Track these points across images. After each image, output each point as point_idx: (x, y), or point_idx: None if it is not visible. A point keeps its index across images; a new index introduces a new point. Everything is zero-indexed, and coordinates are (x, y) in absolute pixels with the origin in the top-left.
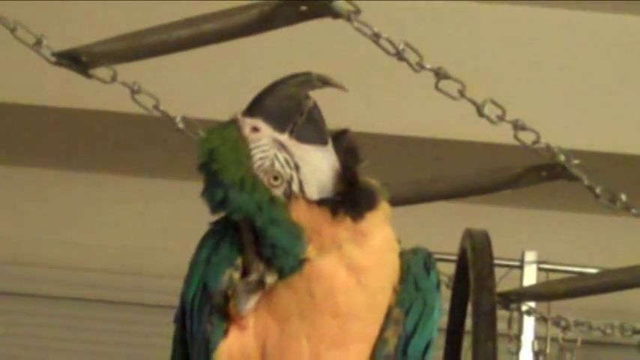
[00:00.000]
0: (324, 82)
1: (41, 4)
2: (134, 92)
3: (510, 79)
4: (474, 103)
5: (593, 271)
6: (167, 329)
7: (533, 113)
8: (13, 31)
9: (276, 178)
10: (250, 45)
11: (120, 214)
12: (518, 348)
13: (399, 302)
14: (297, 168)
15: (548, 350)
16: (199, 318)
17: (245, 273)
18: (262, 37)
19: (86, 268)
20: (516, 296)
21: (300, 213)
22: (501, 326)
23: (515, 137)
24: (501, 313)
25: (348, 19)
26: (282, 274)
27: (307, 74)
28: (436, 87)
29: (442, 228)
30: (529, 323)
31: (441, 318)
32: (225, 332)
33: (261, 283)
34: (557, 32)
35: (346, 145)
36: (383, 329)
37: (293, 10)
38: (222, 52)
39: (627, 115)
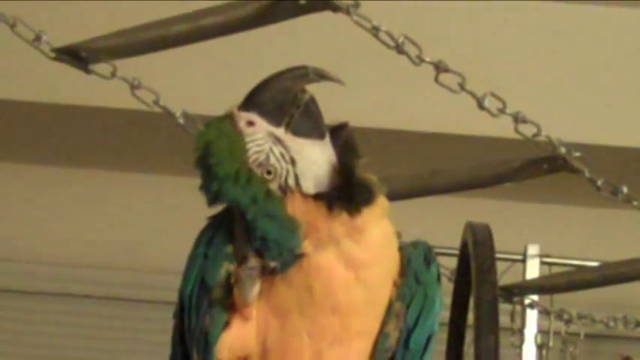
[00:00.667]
0: (321, 75)
1: (40, 1)
2: (134, 87)
3: (510, 72)
4: (474, 96)
5: (596, 264)
6: (166, 325)
7: (534, 106)
8: (12, 27)
9: (270, 172)
10: (250, 39)
11: (119, 209)
12: (522, 341)
13: (400, 296)
14: (293, 162)
15: (551, 343)
16: (197, 312)
17: (240, 262)
18: (262, 32)
19: (86, 265)
20: (519, 289)
21: (295, 207)
22: (504, 320)
23: (516, 130)
24: (504, 307)
25: (348, 12)
26: (280, 268)
27: (304, 68)
28: (436, 80)
29: (445, 222)
30: (532, 317)
31: (441, 311)
32: (226, 325)
33: (265, 268)
34: (557, 25)
35: (344, 140)
36: (384, 323)
37: (292, 3)
38: (221, 46)
39: (628, 108)
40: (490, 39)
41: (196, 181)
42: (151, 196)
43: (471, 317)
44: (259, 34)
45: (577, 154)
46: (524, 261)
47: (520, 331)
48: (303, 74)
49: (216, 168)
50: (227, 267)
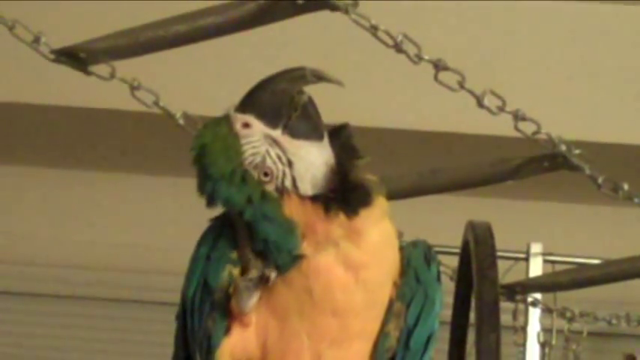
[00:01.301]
0: (319, 77)
1: (39, 2)
2: (134, 89)
3: (510, 70)
4: (473, 94)
5: (599, 262)
6: (168, 327)
7: (534, 104)
8: (11, 28)
9: (267, 174)
10: (248, 39)
11: (120, 211)
12: (524, 339)
13: (400, 296)
14: (290, 164)
15: (554, 342)
16: (200, 314)
17: (244, 269)
18: (260, 31)
19: (88, 267)
20: (521, 288)
21: (293, 209)
22: (507, 318)
23: (516, 128)
24: (507, 305)
25: (346, 11)
26: (279, 270)
27: (301, 69)
28: (435, 78)
29: (446, 221)
30: (534, 315)
31: (442, 310)
32: (227, 330)
33: (262, 279)
34: (557, 22)
35: (343, 141)
36: (384, 323)
37: (291, 3)
38: (221, 46)
39: (628, 105)
40: (489, 37)
41: (196, 182)
42: (152, 197)
43: (472, 316)
44: (258, 34)
45: (577, 151)
46: (526, 259)
47: (523, 330)
48: (301, 76)
49: (210, 169)
50: (230, 270)
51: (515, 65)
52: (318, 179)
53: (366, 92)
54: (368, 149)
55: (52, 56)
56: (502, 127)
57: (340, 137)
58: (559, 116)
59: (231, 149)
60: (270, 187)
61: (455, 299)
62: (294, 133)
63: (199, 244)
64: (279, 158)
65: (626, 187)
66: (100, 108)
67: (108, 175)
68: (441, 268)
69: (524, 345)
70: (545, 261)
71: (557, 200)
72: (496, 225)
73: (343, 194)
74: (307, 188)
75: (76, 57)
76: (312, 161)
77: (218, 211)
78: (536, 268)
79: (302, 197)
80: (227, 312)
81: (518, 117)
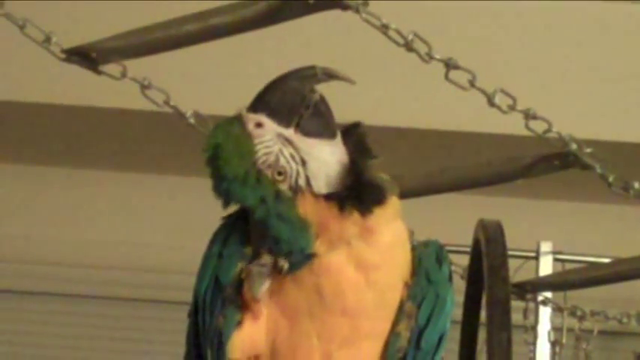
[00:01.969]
0: (329, 75)
1: (50, 1)
2: (144, 88)
3: (521, 69)
4: (484, 93)
5: (609, 260)
6: (174, 325)
7: (544, 102)
8: (22, 28)
9: (280, 173)
10: (260, 38)
11: (131, 210)
12: (535, 338)
13: (411, 296)
14: (303, 163)
15: (564, 340)
16: (212, 312)
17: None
18: (271, 31)
19: (97, 266)
20: (531, 286)
21: (306, 207)
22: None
23: (527, 127)
24: (517, 304)
25: (357, 10)
26: (291, 268)
27: (312, 68)
28: (446, 77)
29: (457, 220)
30: (545, 314)
31: (453, 310)
32: (239, 324)
33: (275, 267)
34: (568, 20)
35: (356, 139)
36: (395, 323)
37: (301, 2)
38: (231, 46)
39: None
40: (500, 36)
41: (207, 181)
42: (163, 196)
43: (483, 315)
44: (269, 34)
45: (588, 150)
46: (537, 258)
47: (533, 328)
48: (312, 74)
49: (224, 169)
50: (242, 267)
51: (526, 64)
52: (331, 178)
53: (377, 91)
54: (378, 148)
55: (62, 56)
56: (513, 125)
57: (353, 136)
58: (570, 115)
59: (245, 149)
60: (284, 187)
61: (465, 298)
62: (307, 132)
63: (211, 242)
64: (293, 157)
65: (636, 185)
66: (111, 107)
67: (119, 175)
68: (452, 267)
69: (534, 344)
70: (556, 260)
71: (568, 199)
72: (506, 224)
73: (357, 192)
74: (321, 187)
75: (86, 56)
76: (325, 160)
77: (228, 210)
78: (546, 267)
79: (316, 196)
80: (238, 307)
81: (529, 116)
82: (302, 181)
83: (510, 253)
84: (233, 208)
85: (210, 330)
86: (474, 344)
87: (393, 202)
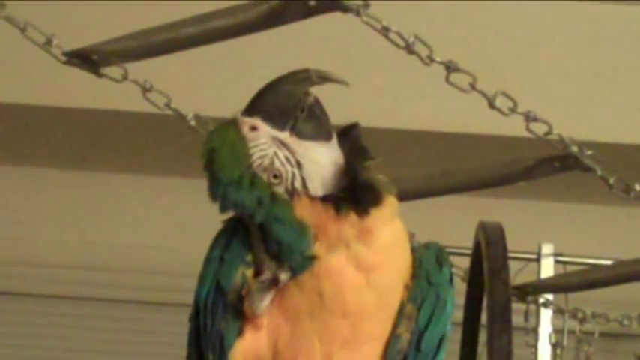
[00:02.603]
0: (324, 77)
1: (51, 4)
2: (146, 90)
3: (521, 71)
4: (485, 95)
5: (610, 262)
6: (179, 328)
7: (545, 105)
8: (23, 30)
9: (276, 177)
10: (260, 41)
11: (131, 213)
12: (536, 340)
13: (412, 298)
14: (298, 165)
15: (565, 342)
16: (213, 316)
17: (257, 271)
18: (272, 33)
19: (97, 268)
20: (532, 288)
21: (303, 210)
22: (518, 319)
23: (527, 129)
24: (518, 306)
25: (357, 13)
26: (293, 272)
27: (306, 71)
28: (447, 80)
29: (458, 222)
30: (546, 315)
31: (453, 312)
32: (240, 331)
33: (274, 281)
34: (569, 23)
35: (352, 140)
36: (396, 325)
37: (302, 5)
38: (232, 48)
39: None
40: (501, 38)
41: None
42: (164, 198)
43: (484, 317)
44: (269, 36)
45: (589, 152)
46: (538, 260)
47: (534, 330)
48: (306, 77)
49: (219, 174)
50: (244, 271)
51: (526, 66)
52: (327, 180)
53: (378, 94)
54: (379, 150)
55: (63, 58)
56: (513, 128)
57: (350, 137)
58: (571, 117)
59: (239, 153)
60: (280, 189)
61: (466, 300)
62: (302, 135)
63: (212, 245)
64: (288, 160)
65: (637, 188)
66: (112, 110)
67: (119, 177)
68: (453, 269)
69: (535, 346)
70: (557, 262)
71: (569, 201)
72: (507, 225)
73: (354, 194)
74: (317, 189)
75: (87, 59)
76: (320, 162)
77: (230, 213)
78: (547, 269)
79: (312, 198)
80: (240, 314)
81: (529, 118)
82: (298, 184)
83: (511, 255)
84: (232, 213)
85: (212, 334)
86: (474, 346)
87: (391, 203)
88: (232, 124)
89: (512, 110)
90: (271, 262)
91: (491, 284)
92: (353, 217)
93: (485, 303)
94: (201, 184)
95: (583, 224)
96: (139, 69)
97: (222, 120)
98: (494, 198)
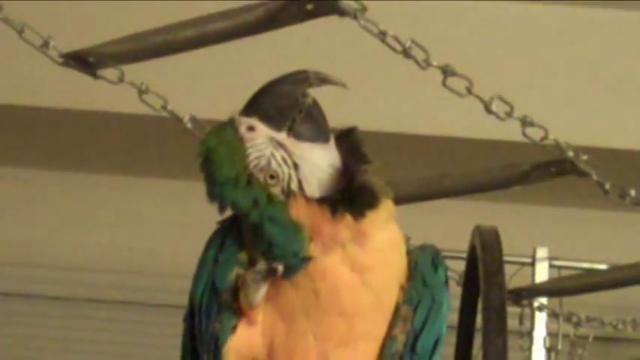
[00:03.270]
0: (322, 79)
1: (48, 6)
2: (142, 92)
3: (518, 76)
4: (481, 99)
5: (605, 267)
6: (174, 328)
7: (541, 109)
8: (20, 32)
9: (272, 177)
10: (257, 44)
11: (127, 214)
12: (530, 344)
13: (407, 299)
14: (295, 166)
15: (559, 346)
16: (208, 316)
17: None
18: (269, 36)
19: (95, 269)
20: (527, 292)
21: (299, 211)
22: (513, 323)
23: (524, 133)
24: (513, 310)
25: (355, 17)
26: (286, 274)
27: (304, 72)
28: (443, 84)
29: (454, 226)
30: (541, 319)
31: (449, 314)
32: (234, 329)
33: (270, 272)
34: (565, 28)
35: (349, 143)
36: (391, 327)
37: (299, 8)
38: (229, 51)
39: (637, 111)
40: (497, 43)
41: (203, 185)
42: (159, 200)
43: (479, 320)
44: (267, 39)
45: (585, 157)
46: (533, 264)
47: (529, 334)
48: (304, 78)
49: (216, 173)
50: (238, 272)
51: (523, 71)
52: (324, 181)
53: (375, 97)
54: (375, 153)
55: (60, 60)
56: (510, 132)
57: (347, 140)
58: (567, 122)
59: (236, 153)
60: (276, 190)
61: (461, 304)
62: (299, 136)
63: (207, 246)
64: (285, 161)
65: (633, 193)
66: (109, 111)
67: (115, 179)
68: (448, 273)
69: (530, 349)
70: (552, 266)
71: (564, 205)
72: (502, 229)
73: (350, 196)
74: (313, 190)
75: (84, 61)
76: (317, 163)
77: (225, 214)
78: (542, 273)
79: (308, 199)
80: (234, 312)
81: (525, 122)
82: (294, 185)
83: (506, 259)
84: (229, 213)
85: (207, 335)
86: (469, 350)
87: (387, 206)
88: (229, 124)
89: (509, 115)
90: (264, 261)
91: (486, 288)
92: (348, 219)
93: (480, 306)
94: (198, 186)
95: (578, 229)
96: (135, 71)
97: (218, 122)
98: (489, 201)
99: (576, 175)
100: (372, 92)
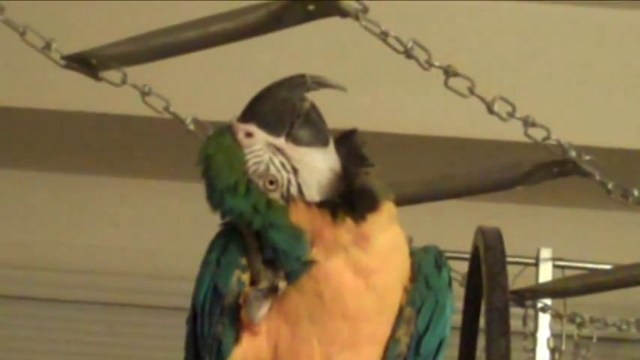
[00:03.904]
0: (320, 83)
1: (50, 8)
2: (144, 94)
3: (520, 76)
4: (483, 100)
5: (609, 267)
6: (176, 331)
7: (544, 110)
8: (22, 34)
9: (272, 182)
10: (259, 45)
11: (129, 216)
12: (534, 345)
13: (411, 301)
14: (294, 171)
15: (563, 347)
16: (210, 319)
17: (253, 276)
18: (271, 38)
19: (95, 271)
20: (531, 293)
21: (300, 216)
22: (516, 324)
23: (526, 134)
24: (516, 311)
25: (356, 17)
26: (289, 278)
27: (302, 76)
28: (445, 84)
29: (457, 226)
30: (544, 320)
31: (452, 315)
32: (238, 336)
33: (272, 290)
34: (567, 28)
35: (349, 146)
36: (395, 329)
37: (301, 9)
38: (231, 52)
39: (639, 110)
40: (499, 43)
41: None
42: (162, 202)
43: (482, 322)
44: (269, 40)
45: (587, 157)
46: (536, 264)
47: (532, 335)
48: (302, 83)
49: (215, 180)
50: (239, 275)
51: (525, 71)
52: (323, 185)
53: (377, 98)
54: (378, 155)
55: (62, 62)
56: (512, 132)
57: (347, 143)
58: (569, 122)
59: (235, 159)
60: (276, 195)
61: (465, 305)
62: (298, 141)
63: (209, 248)
64: (283, 166)
65: (636, 193)
66: (111, 113)
67: (118, 180)
68: (452, 274)
69: (533, 350)
70: (555, 266)
71: (567, 205)
72: (506, 230)
73: (350, 200)
74: (313, 194)
75: (86, 63)
76: (317, 167)
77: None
78: (545, 274)
79: (308, 204)
80: (237, 319)
81: (528, 123)
82: (294, 190)
83: (510, 259)
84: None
85: (209, 337)
86: (473, 351)
87: (388, 208)
88: (227, 130)
89: (511, 115)
90: (268, 271)
91: (489, 289)
92: (349, 222)
93: (483, 307)
94: (200, 188)
95: (581, 229)
96: (137, 73)
97: (220, 124)
98: (492, 202)
99: (579, 175)
100: (374, 93)
